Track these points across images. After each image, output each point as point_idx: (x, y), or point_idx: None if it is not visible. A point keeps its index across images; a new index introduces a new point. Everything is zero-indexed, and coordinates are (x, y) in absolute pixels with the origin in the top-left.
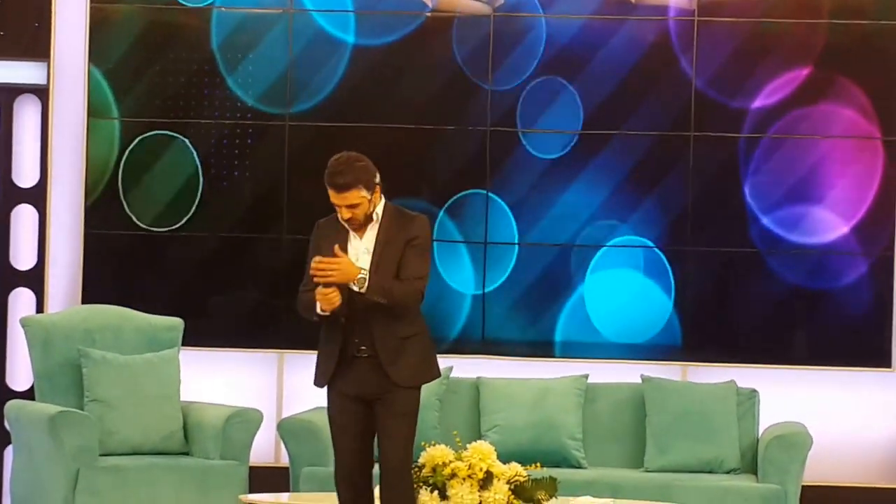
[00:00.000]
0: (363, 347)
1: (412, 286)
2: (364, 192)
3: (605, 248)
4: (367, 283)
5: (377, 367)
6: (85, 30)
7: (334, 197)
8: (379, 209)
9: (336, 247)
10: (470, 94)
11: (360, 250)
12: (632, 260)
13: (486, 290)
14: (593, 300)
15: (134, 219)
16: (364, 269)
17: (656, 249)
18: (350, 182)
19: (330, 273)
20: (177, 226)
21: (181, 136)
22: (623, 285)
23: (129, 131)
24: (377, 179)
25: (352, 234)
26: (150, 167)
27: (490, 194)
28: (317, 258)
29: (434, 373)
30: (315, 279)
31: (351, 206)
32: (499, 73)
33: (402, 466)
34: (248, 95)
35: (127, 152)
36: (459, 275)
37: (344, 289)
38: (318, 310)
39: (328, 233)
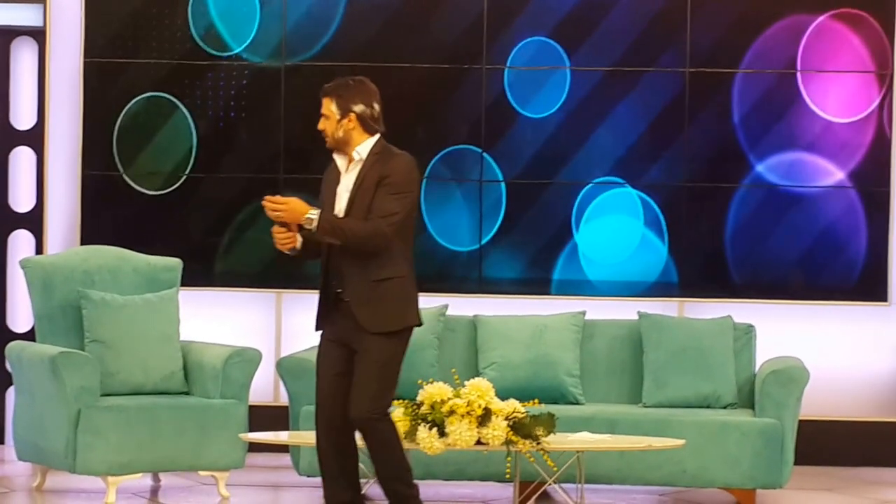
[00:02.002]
0: (339, 291)
1: (373, 226)
2: (334, 108)
3: (595, 185)
4: (315, 223)
5: (350, 312)
6: None
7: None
8: (363, 148)
9: (279, 199)
10: (466, 40)
11: (343, 189)
12: (627, 203)
13: (483, 233)
14: (589, 242)
15: (132, 163)
16: (314, 210)
17: (644, 193)
18: (327, 90)
19: (278, 213)
20: (175, 168)
21: (178, 90)
22: (618, 227)
23: (127, 77)
24: (357, 109)
25: (341, 171)
26: (147, 114)
27: (485, 155)
28: (267, 197)
29: (408, 319)
30: (267, 214)
31: (323, 116)
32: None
33: (364, 420)
34: (245, 46)
35: (126, 102)
36: (455, 228)
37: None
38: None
39: (329, 170)
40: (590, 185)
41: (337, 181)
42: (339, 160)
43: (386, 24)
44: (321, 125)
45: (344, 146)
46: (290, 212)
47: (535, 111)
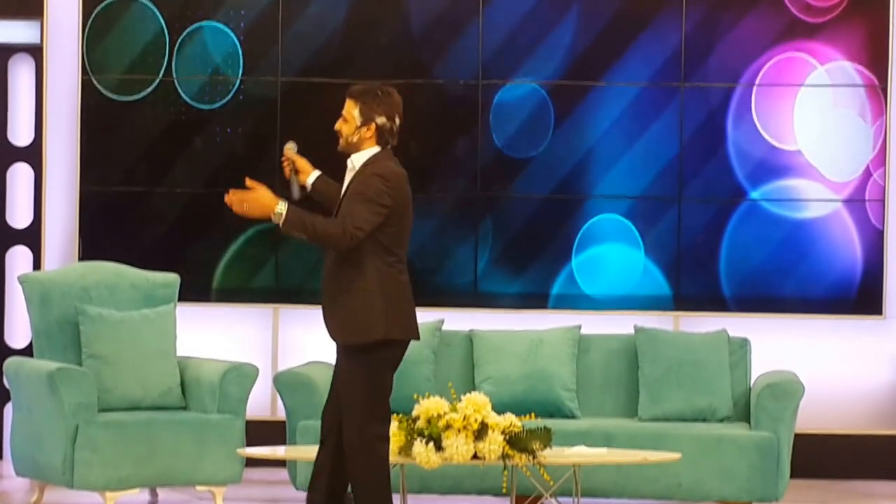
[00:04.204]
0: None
1: (341, 225)
2: (356, 113)
3: (590, 204)
4: (283, 218)
5: None
6: None
7: None
8: (359, 158)
9: (247, 180)
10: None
11: (342, 193)
12: (624, 229)
13: (479, 245)
14: (585, 259)
15: (130, 177)
16: (283, 202)
17: (640, 206)
18: (354, 94)
19: (243, 209)
20: (172, 181)
21: (172, 81)
22: (618, 256)
23: (124, 93)
24: (379, 120)
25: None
26: (146, 129)
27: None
28: (231, 191)
29: (371, 334)
30: (233, 208)
31: (343, 118)
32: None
33: (353, 448)
34: (240, 59)
35: (125, 116)
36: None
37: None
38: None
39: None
40: (583, 201)
41: (341, 179)
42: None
43: (382, 42)
44: (339, 126)
45: (353, 151)
46: (256, 206)
47: (530, 132)
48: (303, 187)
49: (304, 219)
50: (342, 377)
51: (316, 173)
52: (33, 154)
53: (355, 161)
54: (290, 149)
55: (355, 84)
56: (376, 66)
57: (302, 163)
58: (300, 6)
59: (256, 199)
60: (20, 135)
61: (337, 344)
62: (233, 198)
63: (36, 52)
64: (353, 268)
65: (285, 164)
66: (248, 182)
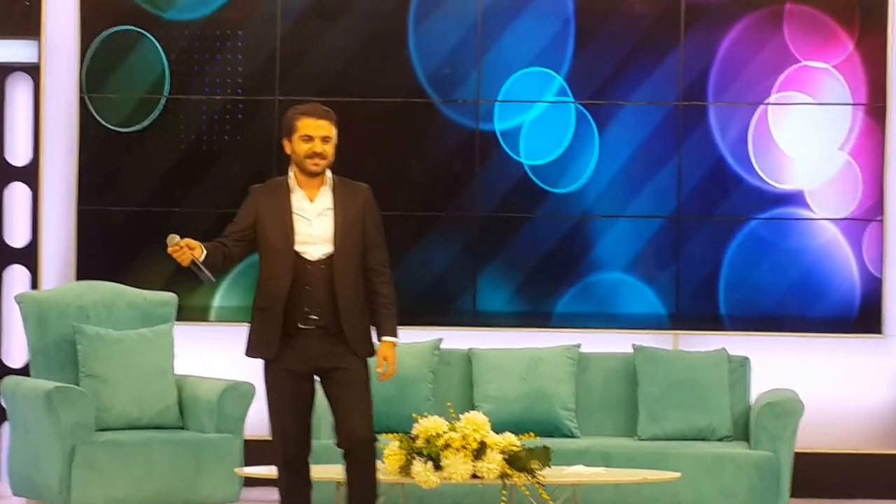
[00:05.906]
0: (313, 317)
1: (388, 277)
2: (335, 132)
3: (588, 221)
4: (398, 339)
5: (326, 338)
6: (76, 7)
7: (312, 126)
8: (329, 173)
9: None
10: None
11: (316, 211)
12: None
13: (479, 264)
14: (584, 279)
15: (127, 195)
16: (387, 339)
17: (639, 224)
18: (331, 115)
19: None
20: (170, 201)
21: (175, 107)
22: (615, 269)
23: (122, 108)
24: None
25: (300, 196)
26: (144, 149)
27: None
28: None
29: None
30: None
31: (326, 139)
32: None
33: (373, 437)
34: (238, 74)
35: (123, 135)
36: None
37: (289, 260)
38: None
39: (267, 198)
40: (583, 222)
41: (279, 201)
42: (297, 184)
43: (384, 68)
44: (320, 148)
45: (324, 171)
46: (394, 359)
47: (531, 154)
48: (204, 268)
49: (394, 319)
50: (352, 383)
51: (200, 245)
52: (31, 173)
53: (329, 176)
54: (176, 239)
55: (302, 105)
56: (377, 88)
57: (193, 242)
58: (302, 41)
59: (392, 358)
60: (17, 154)
61: (335, 357)
62: (389, 375)
63: (33, 71)
64: (362, 286)
65: (179, 253)
66: (388, 370)
